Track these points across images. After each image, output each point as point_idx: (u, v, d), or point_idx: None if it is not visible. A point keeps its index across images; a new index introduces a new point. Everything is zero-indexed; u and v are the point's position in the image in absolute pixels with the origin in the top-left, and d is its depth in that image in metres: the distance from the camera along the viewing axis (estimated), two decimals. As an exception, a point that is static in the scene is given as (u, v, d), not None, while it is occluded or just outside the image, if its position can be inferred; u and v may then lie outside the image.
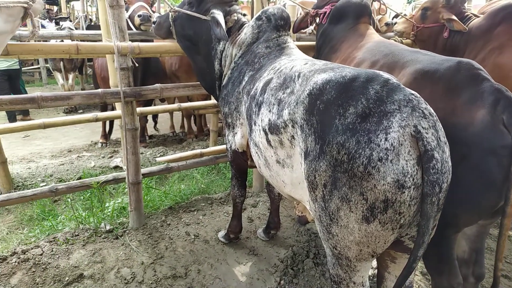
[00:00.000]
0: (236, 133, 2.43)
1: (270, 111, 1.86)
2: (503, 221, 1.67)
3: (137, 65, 2.87)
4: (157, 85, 2.98)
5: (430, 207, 1.33)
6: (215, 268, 2.69)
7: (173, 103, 5.25)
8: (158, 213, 3.34)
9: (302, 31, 4.06)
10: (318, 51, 3.07)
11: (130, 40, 2.83)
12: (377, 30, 5.29)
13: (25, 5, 1.86)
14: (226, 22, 2.51)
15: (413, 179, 1.34)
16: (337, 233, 1.54)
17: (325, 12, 3.01)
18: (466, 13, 3.62)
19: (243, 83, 2.31)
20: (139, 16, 3.98)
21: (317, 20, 3.12)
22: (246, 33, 2.49)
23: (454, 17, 3.42)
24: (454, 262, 1.89)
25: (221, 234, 3.01)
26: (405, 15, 4.19)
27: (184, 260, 2.74)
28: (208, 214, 3.37)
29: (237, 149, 2.47)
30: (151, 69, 4.79)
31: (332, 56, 2.81)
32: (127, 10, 4.16)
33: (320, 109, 1.53)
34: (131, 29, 4.06)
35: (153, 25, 2.88)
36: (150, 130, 6.36)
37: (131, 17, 4.11)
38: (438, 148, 1.34)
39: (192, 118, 6.03)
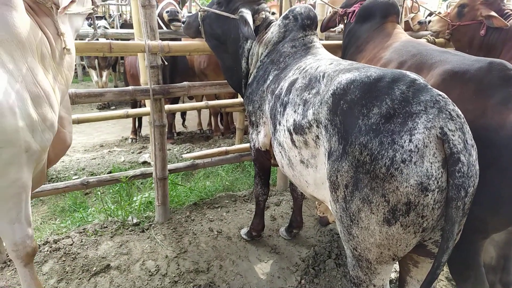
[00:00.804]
0: (259, 131, 2.45)
1: (295, 111, 1.87)
2: None
3: (166, 63, 2.94)
4: (185, 83, 3.04)
5: (455, 211, 1.30)
6: (237, 264, 2.73)
7: (201, 101, 5.34)
8: (183, 209, 3.41)
9: (331, 30, 4.02)
10: (344, 51, 3.03)
11: (160, 39, 2.90)
12: (410, 29, 5.18)
13: (91, 11, 2.16)
14: (254, 21, 2.53)
15: (438, 182, 1.31)
16: (357, 235, 1.53)
17: (354, 11, 2.97)
18: (506, 10, 3.48)
19: (268, 82, 2.32)
20: (167, 12, 4.07)
21: (346, 19, 3.09)
22: (272, 32, 2.50)
23: (494, 14, 3.29)
24: (480, 269, 1.84)
25: (243, 231, 3.04)
26: (439, 13, 4.07)
27: (206, 256, 2.79)
28: (232, 211, 3.42)
29: (260, 147, 2.48)
30: (178, 68, 4.89)
31: (357, 56, 2.77)
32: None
33: (343, 109, 1.52)
34: (162, 28, 4.16)
35: (182, 25, 2.95)
36: (178, 127, 6.48)
37: (159, 15, 4.20)
38: (465, 151, 1.30)
39: (219, 116, 6.11)
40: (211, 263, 2.71)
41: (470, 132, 1.38)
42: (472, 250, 1.80)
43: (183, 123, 6.57)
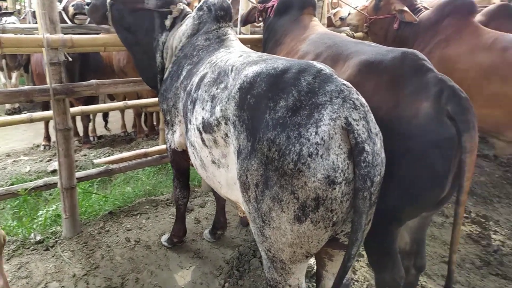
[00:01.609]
0: (175, 131, 2.28)
1: (203, 108, 1.74)
2: (457, 209, 1.66)
3: (70, 59, 2.63)
4: (93, 81, 2.76)
5: (362, 202, 1.27)
6: (156, 275, 2.53)
7: (124, 100, 4.99)
8: (97, 219, 3.12)
9: (256, 24, 3.95)
10: (264, 45, 2.98)
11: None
12: (332, 25, 5.29)
13: None
14: (171, 12, 2.39)
15: (344, 174, 1.28)
16: (270, 235, 1.45)
17: (272, 6, 2.93)
18: (417, 6, 3.65)
19: (181, 78, 2.16)
20: (72, 5, 3.71)
21: (265, 14, 3.03)
22: (187, 24, 2.36)
23: (405, 8, 3.45)
24: (397, 256, 1.86)
25: (164, 238, 2.85)
26: (357, 7, 4.17)
27: (121, 269, 2.56)
28: (152, 217, 3.20)
29: (176, 148, 2.32)
30: (90, 65, 4.50)
31: (276, 49, 2.73)
32: (60, 1, 3.87)
33: (250, 104, 1.44)
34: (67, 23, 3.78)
35: (86, 7, 2.66)
36: (101, 130, 6.05)
37: (65, 8, 3.82)
38: (369, 140, 1.27)
39: (144, 116, 5.80)
40: (126, 277, 2.49)
41: (374, 120, 1.36)
42: (388, 238, 1.81)
43: (105, 126, 6.13)
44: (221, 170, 1.71)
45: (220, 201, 2.86)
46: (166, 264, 2.65)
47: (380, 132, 1.40)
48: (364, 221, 1.29)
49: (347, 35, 3.78)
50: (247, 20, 3.23)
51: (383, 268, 1.86)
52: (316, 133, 1.26)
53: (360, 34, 4.00)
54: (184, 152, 2.34)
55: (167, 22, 2.42)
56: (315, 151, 1.25)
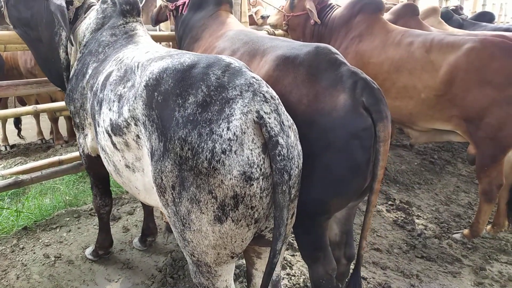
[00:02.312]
0: (86, 135, 2.10)
1: (110, 109, 1.62)
2: (370, 197, 1.70)
3: None
4: (-14, 83, 2.45)
5: (281, 196, 1.25)
6: (80, 292, 2.32)
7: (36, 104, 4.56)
8: (9, 237, 2.80)
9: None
10: (180, 42, 2.89)
11: None
12: (254, 23, 5.33)
13: None
14: (72, 2, 2.19)
15: (261, 169, 1.24)
16: (191, 239, 1.37)
17: (184, 3, 2.83)
18: (330, 3, 3.77)
19: (87, 76, 1.99)
20: None
21: (175, 12, 2.93)
22: (90, 17, 2.20)
23: (310, 7, 3.55)
24: (328, 249, 1.88)
25: (88, 251, 2.63)
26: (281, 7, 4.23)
27: (40, 289, 2.31)
28: (74, 230, 2.94)
29: (90, 153, 2.14)
30: None
31: (194, 45, 2.64)
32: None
33: (159, 102, 1.36)
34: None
35: None
36: (14, 138, 5.50)
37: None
38: (282, 133, 1.25)
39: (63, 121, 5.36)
40: (45, 297, 2.25)
41: (286, 113, 1.34)
42: (319, 232, 1.82)
43: (18, 133, 5.58)
44: (137, 174, 1.61)
45: (148, 207, 2.71)
46: (91, 278, 2.44)
47: (294, 124, 1.40)
48: (285, 215, 1.28)
49: (268, 33, 3.82)
50: (158, 19, 3.12)
51: (316, 261, 1.87)
52: (228, 128, 1.22)
53: (280, 32, 4.07)
54: (99, 157, 2.17)
55: (69, 14, 2.22)
56: (228, 147, 1.21)
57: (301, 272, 2.60)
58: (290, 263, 2.66)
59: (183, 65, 1.38)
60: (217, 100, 1.26)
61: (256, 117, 1.24)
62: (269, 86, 1.36)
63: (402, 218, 3.42)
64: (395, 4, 4.77)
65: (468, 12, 8.36)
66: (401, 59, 3.08)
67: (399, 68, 3.07)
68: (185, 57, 1.43)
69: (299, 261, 2.71)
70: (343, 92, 1.63)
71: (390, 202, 3.68)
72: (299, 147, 1.36)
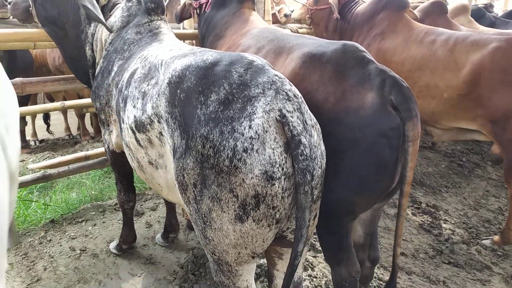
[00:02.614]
0: (111, 131, 2.13)
1: (134, 106, 1.63)
2: (401, 201, 1.65)
3: None
4: (17, 79, 2.52)
5: (303, 197, 1.22)
6: (104, 284, 2.36)
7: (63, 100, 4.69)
8: (37, 229, 2.88)
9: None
10: (203, 40, 2.89)
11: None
12: (277, 21, 5.29)
13: None
14: (98, 0, 2.21)
15: (283, 169, 1.22)
16: (212, 237, 1.36)
17: (208, 1, 2.84)
18: None
19: (113, 73, 2.02)
20: None
21: (199, 10, 2.94)
22: (116, 15, 2.22)
23: (332, 2, 3.51)
24: (351, 250, 1.85)
25: (112, 245, 2.67)
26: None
27: (66, 280, 2.37)
28: (99, 224, 3.00)
29: (115, 149, 2.16)
30: (18, 65, 4.15)
31: (217, 43, 2.64)
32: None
33: (181, 99, 1.35)
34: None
35: (9, 6, 2.44)
36: (43, 133, 5.66)
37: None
38: (305, 132, 1.22)
39: (90, 117, 5.50)
40: (71, 288, 2.30)
41: (309, 112, 1.32)
42: (343, 232, 1.79)
43: (47, 129, 5.75)
44: (159, 171, 1.61)
45: (170, 203, 2.73)
46: (115, 272, 2.48)
47: (318, 124, 1.38)
48: (307, 216, 1.26)
49: (291, 31, 3.78)
50: (182, 16, 3.14)
51: (339, 263, 1.84)
52: (250, 127, 1.21)
53: (304, 30, 4.04)
54: (124, 153, 2.20)
55: None
56: (250, 146, 1.20)
57: (323, 274, 2.56)
58: (312, 264, 2.63)
59: (206, 63, 1.37)
60: (239, 98, 1.25)
61: (278, 115, 1.22)
62: (292, 84, 1.34)
63: (429, 222, 3.31)
64: (422, 2, 4.64)
65: (499, 10, 8.05)
66: (423, 58, 3.02)
67: (421, 67, 3.01)
68: (208, 54, 1.42)
69: (321, 262, 2.67)
70: (371, 90, 1.60)
71: (416, 205, 3.58)
72: (323, 147, 1.34)
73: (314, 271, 2.58)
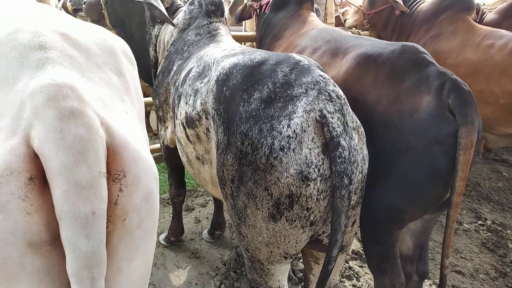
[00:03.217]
0: (167, 127, 2.24)
1: (187, 103, 1.69)
2: (449, 212, 1.54)
3: None
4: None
5: (340, 201, 1.18)
6: (151, 273, 2.47)
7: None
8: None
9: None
10: (260, 42, 2.93)
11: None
12: (341, 24, 5.18)
13: None
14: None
15: (319, 170, 1.19)
16: (246, 234, 1.38)
17: (268, 2, 2.88)
18: None
19: (172, 73, 2.12)
20: (70, 1, 3.75)
21: (260, 11, 2.98)
22: (178, 18, 2.33)
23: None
24: (397, 261, 1.76)
25: (162, 236, 2.79)
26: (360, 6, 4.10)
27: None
28: (152, 216, 3.15)
29: (169, 144, 2.27)
30: None
31: (275, 44, 2.66)
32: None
33: (226, 96, 1.38)
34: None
35: (83, 6, 2.68)
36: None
37: (64, 5, 3.87)
38: (345, 134, 1.18)
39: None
40: (119, 274, 2.44)
41: (351, 114, 1.28)
42: (389, 241, 1.71)
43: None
44: (205, 166, 1.65)
45: (218, 201, 2.79)
46: (162, 263, 2.59)
47: (362, 128, 1.33)
48: (343, 221, 1.21)
49: (353, 33, 3.69)
50: (242, 17, 3.20)
51: (383, 273, 1.76)
52: (289, 125, 1.20)
53: (366, 32, 3.92)
54: (177, 148, 2.29)
55: None
56: (287, 145, 1.19)
57: (368, 285, 2.45)
58: (357, 274, 2.53)
59: (253, 62, 1.39)
60: (281, 97, 1.24)
61: (319, 116, 1.19)
62: (336, 85, 1.31)
63: (493, 241, 3.03)
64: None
65: None
66: (479, 62, 2.84)
67: (475, 72, 2.84)
68: (256, 54, 1.44)
69: (367, 273, 2.56)
70: (428, 94, 1.51)
71: (480, 222, 3.29)
72: (365, 152, 1.29)
73: (359, 281, 2.48)
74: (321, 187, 1.21)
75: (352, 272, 2.52)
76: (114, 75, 0.96)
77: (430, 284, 2.53)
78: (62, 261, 0.71)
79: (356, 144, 1.22)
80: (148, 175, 0.83)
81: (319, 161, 1.19)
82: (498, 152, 4.66)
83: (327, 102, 1.21)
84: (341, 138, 1.17)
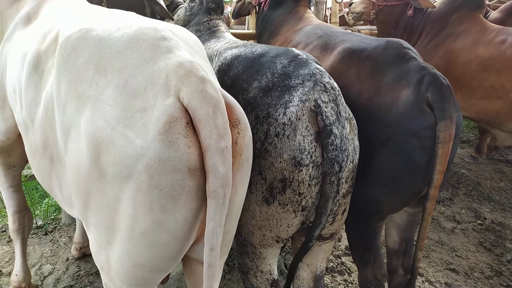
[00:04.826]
0: None
1: None
2: (426, 204, 1.57)
3: None
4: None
5: (329, 187, 1.25)
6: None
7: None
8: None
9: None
10: (259, 38, 2.98)
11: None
12: (346, 23, 5.18)
13: None
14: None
15: (311, 157, 1.25)
16: (240, 218, 1.43)
17: (266, 0, 2.92)
18: None
19: None
20: None
21: (259, 8, 3.04)
22: (178, 15, 2.41)
23: None
24: (379, 252, 1.80)
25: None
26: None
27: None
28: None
29: None
30: None
31: (272, 40, 2.72)
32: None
33: (227, 86, 1.46)
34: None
35: None
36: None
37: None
38: (338, 123, 1.25)
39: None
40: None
41: (345, 104, 1.33)
42: (370, 232, 1.76)
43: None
44: None
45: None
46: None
47: (355, 119, 1.37)
48: (329, 205, 1.27)
49: (353, 31, 3.68)
50: (240, 13, 3.25)
51: (365, 264, 1.80)
52: (284, 113, 1.25)
53: (366, 31, 3.88)
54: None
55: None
56: (282, 131, 1.25)
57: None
58: (349, 270, 2.56)
59: (254, 54, 1.46)
60: (279, 86, 1.31)
61: (313, 105, 1.25)
62: (331, 78, 1.36)
63: (491, 240, 3.02)
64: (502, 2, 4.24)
65: None
66: (490, 58, 2.84)
67: (487, 67, 2.84)
68: (257, 47, 1.52)
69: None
70: (407, 87, 1.53)
71: (479, 221, 3.28)
72: (356, 143, 1.34)
73: (351, 276, 2.51)
74: (313, 173, 1.26)
75: (344, 267, 2.55)
76: (204, 61, 1.23)
77: (422, 281, 2.54)
78: (204, 183, 0.98)
79: (347, 133, 1.28)
80: (248, 125, 1.12)
81: (311, 148, 1.24)
82: (503, 152, 4.61)
83: (321, 93, 1.26)
84: (333, 127, 1.22)
